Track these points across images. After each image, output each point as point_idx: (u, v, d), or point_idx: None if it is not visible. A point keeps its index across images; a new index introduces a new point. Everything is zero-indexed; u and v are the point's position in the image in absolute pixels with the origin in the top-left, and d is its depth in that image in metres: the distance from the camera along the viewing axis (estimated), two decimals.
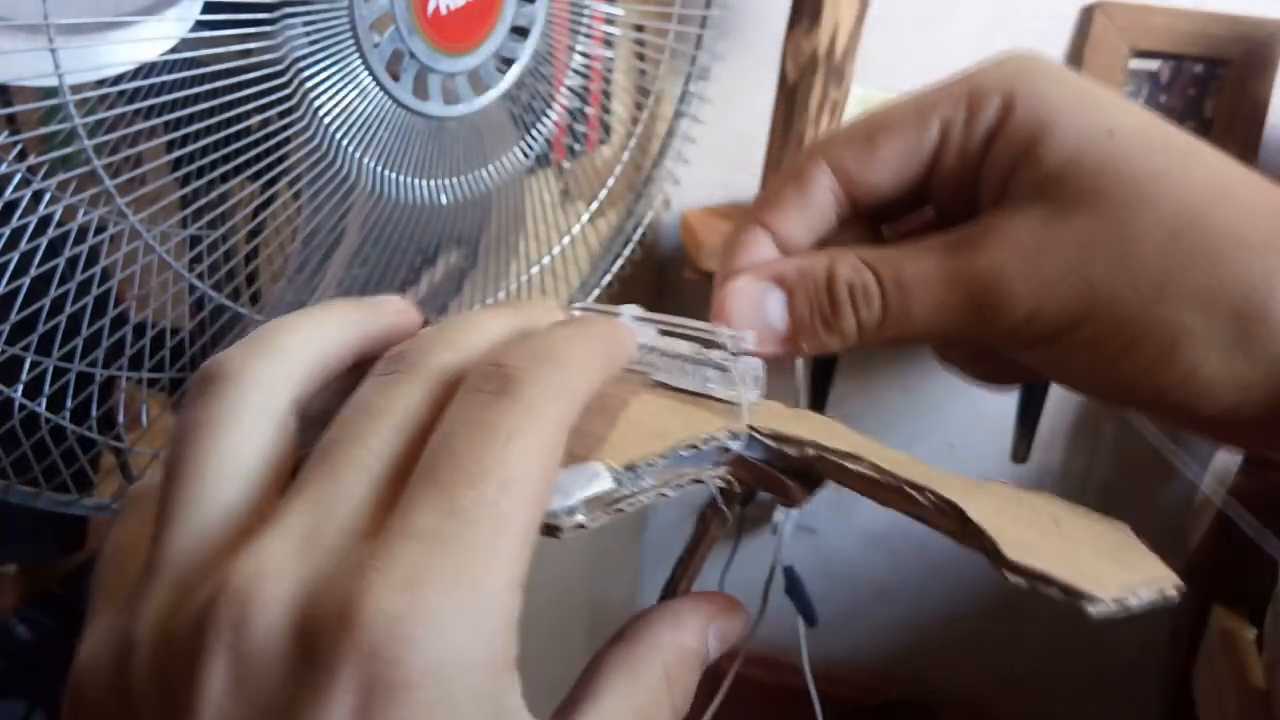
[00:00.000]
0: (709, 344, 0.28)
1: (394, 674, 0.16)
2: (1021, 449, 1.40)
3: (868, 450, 0.24)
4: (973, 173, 0.28)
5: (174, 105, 0.48)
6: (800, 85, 1.15)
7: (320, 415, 0.20)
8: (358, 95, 0.52)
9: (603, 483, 0.20)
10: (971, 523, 0.22)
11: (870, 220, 0.30)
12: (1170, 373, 0.25)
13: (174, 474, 0.19)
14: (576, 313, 0.27)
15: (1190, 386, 0.25)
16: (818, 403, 1.52)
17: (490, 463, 0.18)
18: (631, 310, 0.29)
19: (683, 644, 0.23)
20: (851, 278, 0.27)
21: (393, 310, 0.23)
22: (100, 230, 0.47)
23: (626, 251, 0.81)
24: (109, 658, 0.18)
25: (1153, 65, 1.28)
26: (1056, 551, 0.22)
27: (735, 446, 0.24)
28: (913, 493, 0.23)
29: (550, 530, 0.20)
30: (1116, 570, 0.22)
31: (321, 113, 0.51)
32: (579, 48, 0.65)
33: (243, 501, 0.19)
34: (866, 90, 1.36)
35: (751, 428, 0.24)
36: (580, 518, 0.20)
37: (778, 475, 0.24)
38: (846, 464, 0.23)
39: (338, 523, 0.18)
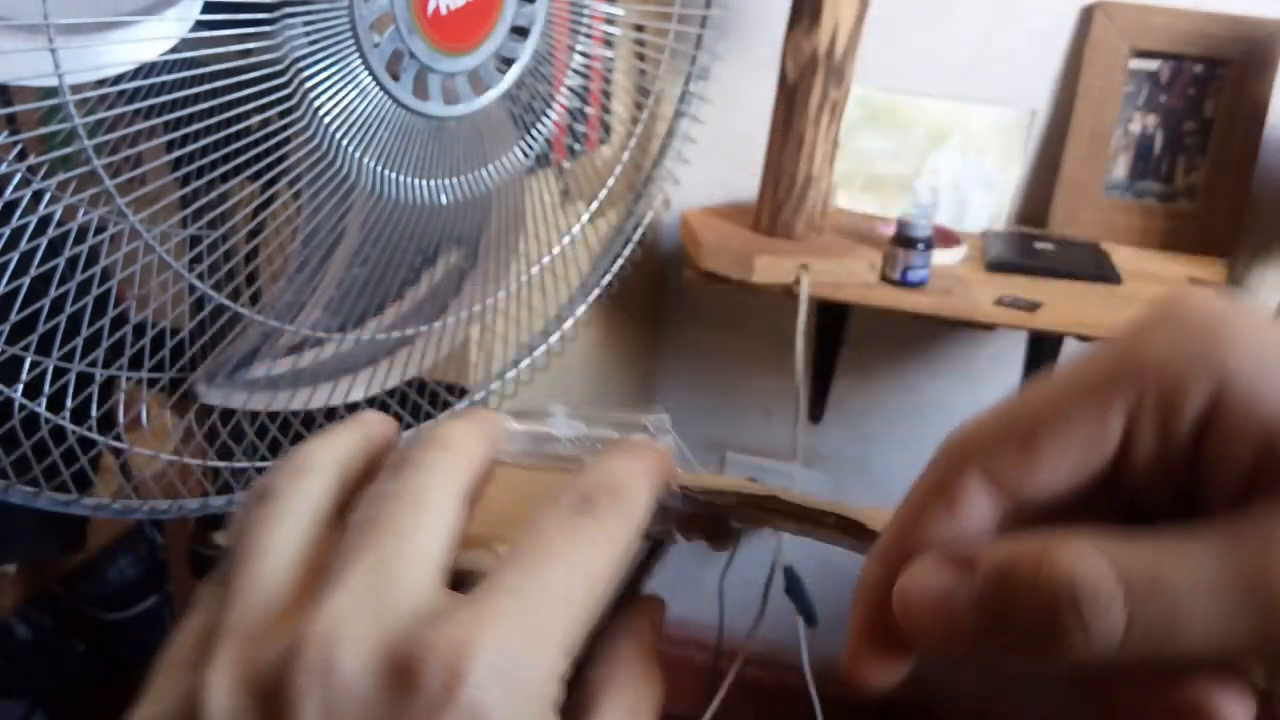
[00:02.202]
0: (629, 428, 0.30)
1: (474, 696, 0.20)
2: None
3: (781, 494, 0.28)
4: (1180, 462, 0.22)
5: (174, 105, 0.48)
6: (800, 85, 1.15)
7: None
8: (358, 95, 0.52)
9: None
10: (868, 529, 0.26)
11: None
12: None
13: (236, 562, 0.23)
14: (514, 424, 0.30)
15: None
16: (818, 403, 1.52)
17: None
18: (560, 410, 0.31)
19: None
20: (1079, 572, 0.20)
21: (376, 421, 0.28)
22: (100, 230, 0.47)
23: (626, 251, 0.81)
24: (174, 714, 0.22)
25: (1153, 65, 1.28)
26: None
27: (673, 503, 0.27)
28: (820, 514, 0.27)
29: None
30: None
31: (321, 113, 0.51)
32: (579, 48, 0.65)
33: (293, 578, 0.23)
34: (867, 90, 1.37)
35: (683, 486, 0.27)
36: None
37: (706, 525, 0.28)
38: (766, 505, 0.27)
39: (395, 576, 0.22)
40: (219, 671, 0.21)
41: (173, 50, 0.47)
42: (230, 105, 0.49)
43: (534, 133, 0.64)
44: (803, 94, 1.15)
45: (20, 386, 0.47)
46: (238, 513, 0.25)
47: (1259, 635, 0.20)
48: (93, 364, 0.50)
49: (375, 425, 0.28)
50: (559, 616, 0.22)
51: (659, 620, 0.29)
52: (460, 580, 0.23)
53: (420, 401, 0.71)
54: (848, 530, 0.27)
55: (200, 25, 0.48)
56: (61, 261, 0.46)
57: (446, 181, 0.59)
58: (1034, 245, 1.26)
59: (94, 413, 0.51)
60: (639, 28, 0.73)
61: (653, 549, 0.29)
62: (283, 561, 0.23)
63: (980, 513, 0.22)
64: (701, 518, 0.28)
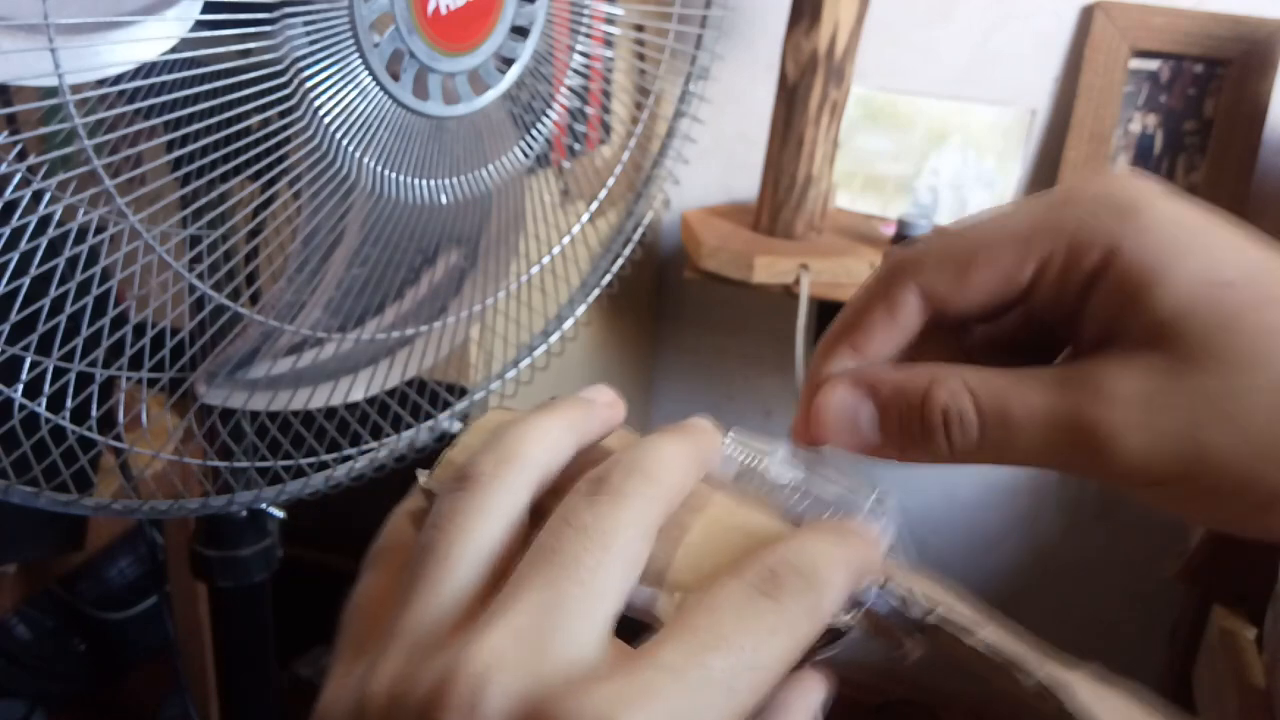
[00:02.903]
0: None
1: None
2: None
3: (980, 624, 0.25)
4: (1070, 306, 0.27)
5: (174, 105, 0.48)
6: (800, 85, 1.15)
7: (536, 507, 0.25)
8: (358, 95, 0.52)
9: None
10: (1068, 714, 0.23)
11: (952, 328, 0.30)
12: (1275, 517, 0.25)
13: (427, 552, 0.24)
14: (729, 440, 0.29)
15: None
16: None
17: (744, 640, 0.22)
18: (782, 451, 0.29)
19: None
20: (948, 404, 0.27)
21: (604, 406, 0.28)
22: (100, 230, 0.47)
23: (626, 251, 0.81)
24: (347, 705, 0.22)
25: (1153, 65, 1.28)
26: None
27: (869, 597, 0.25)
28: (1018, 676, 0.23)
29: None
30: None
31: (321, 113, 0.51)
32: (579, 48, 0.65)
33: (476, 586, 0.23)
34: (867, 90, 1.37)
35: (884, 582, 0.25)
36: None
37: (894, 631, 0.26)
38: (962, 637, 0.24)
39: (561, 621, 0.22)
40: (382, 680, 0.22)
41: (173, 50, 0.47)
42: (230, 105, 0.49)
43: (534, 133, 0.64)
44: (803, 94, 1.15)
45: (20, 386, 0.47)
46: (440, 491, 0.25)
47: (1065, 461, 0.26)
48: (93, 364, 0.50)
49: (590, 420, 0.27)
50: (715, 708, 0.21)
51: (815, 701, 0.27)
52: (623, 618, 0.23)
53: (420, 401, 0.71)
54: (1044, 698, 0.23)
55: (200, 25, 0.48)
56: (61, 261, 0.46)
57: (446, 181, 0.59)
58: None
59: (94, 413, 0.51)
60: (639, 28, 0.73)
61: (829, 635, 0.25)
62: (470, 570, 0.23)
63: (911, 318, 0.28)
64: (893, 625, 0.25)
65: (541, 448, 0.26)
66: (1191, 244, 0.25)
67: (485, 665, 0.21)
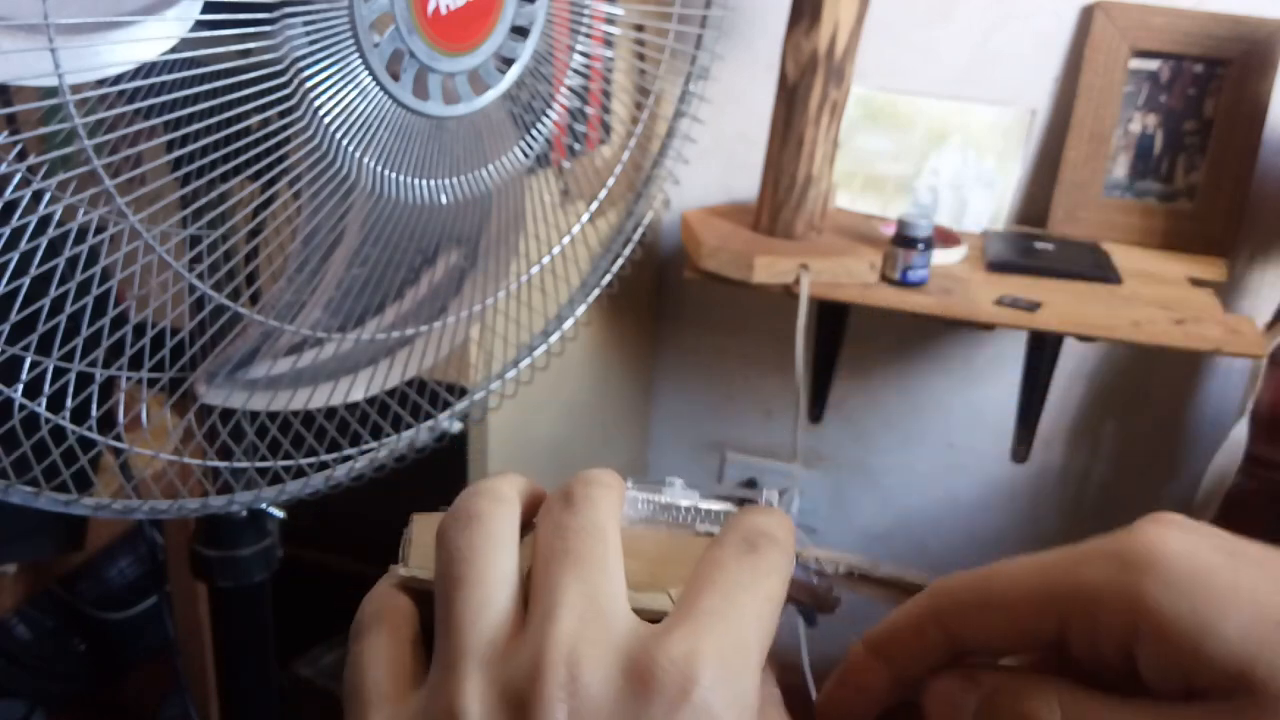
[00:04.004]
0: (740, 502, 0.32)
1: (705, 697, 0.24)
2: (1021, 449, 1.40)
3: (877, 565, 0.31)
4: (1117, 664, 0.27)
5: (174, 105, 0.48)
6: (800, 85, 1.15)
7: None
8: (358, 95, 0.52)
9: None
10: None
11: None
12: None
13: (461, 583, 0.26)
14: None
15: None
16: (818, 403, 1.52)
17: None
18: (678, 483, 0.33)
19: None
20: (1040, 717, 0.27)
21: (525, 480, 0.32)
22: (100, 230, 0.47)
23: (626, 251, 0.81)
24: None
25: (1153, 65, 1.28)
26: None
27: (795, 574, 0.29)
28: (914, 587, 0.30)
29: None
30: None
31: (321, 113, 0.51)
32: (579, 48, 0.65)
33: (513, 600, 0.26)
34: (867, 90, 1.37)
35: (798, 554, 0.30)
36: None
37: (817, 591, 0.31)
38: (868, 571, 0.31)
39: (604, 603, 0.26)
40: (471, 687, 0.25)
41: (173, 50, 0.47)
42: (230, 105, 0.49)
43: (534, 133, 0.64)
44: (803, 94, 1.15)
45: (20, 386, 0.47)
46: (447, 532, 0.28)
47: None
48: (93, 364, 0.50)
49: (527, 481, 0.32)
50: (756, 633, 0.26)
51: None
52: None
53: (420, 401, 0.71)
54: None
55: (200, 25, 0.48)
56: (61, 261, 0.46)
57: (446, 181, 0.59)
58: (1034, 245, 1.26)
59: (94, 413, 0.51)
60: (639, 28, 0.73)
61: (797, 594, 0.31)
62: (505, 589, 0.26)
63: (935, 647, 0.29)
64: (811, 586, 0.31)
65: (515, 490, 0.30)
66: (1223, 588, 0.25)
67: (569, 645, 0.24)
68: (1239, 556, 0.26)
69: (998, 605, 0.28)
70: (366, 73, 0.52)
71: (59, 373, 0.49)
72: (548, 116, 0.64)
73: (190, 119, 0.48)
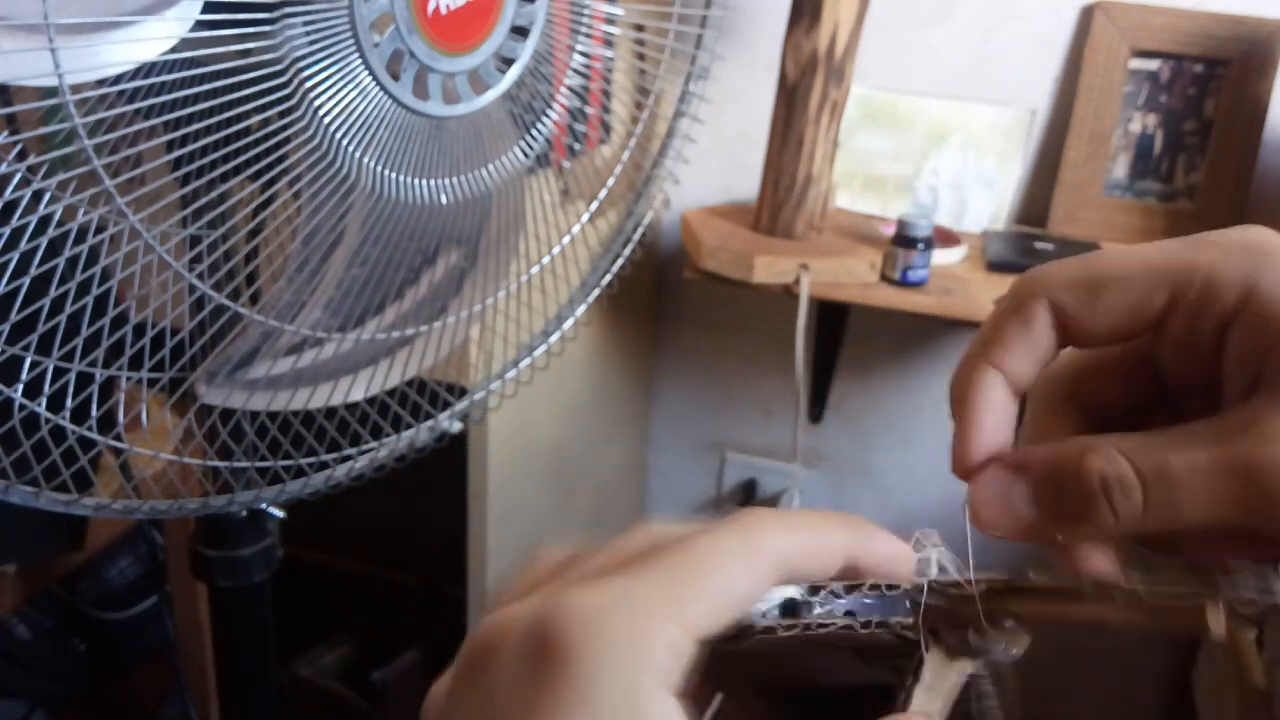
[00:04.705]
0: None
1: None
2: None
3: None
4: (1206, 349, 0.27)
5: (174, 105, 0.48)
6: (800, 85, 1.15)
7: None
8: (358, 95, 0.52)
9: (789, 592, 0.26)
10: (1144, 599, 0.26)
11: (1075, 410, 0.30)
12: None
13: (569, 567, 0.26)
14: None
15: None
16: (818, 403, 1.52)
17: None
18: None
19: None
20: (1105, 470, 0.27)
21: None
22: (100, 230, 0.47)
23: (626, 251, 0.81)
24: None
25: (1153, 65, 1.28)
26: None
27: (920, 598, 0.27)
28: (1100, 589, 0.26)
29: (745, 630, 0.26)
30: None
31: (321, 113, 0.51)
32: (579, 47, 0.65)
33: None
34: (867, 90, 1.37)
35: (930, 582, 0.27)
36: (769, 621, 0.26)
37: (960, 617, 0.27)
38: (1017, 583, 0.27)
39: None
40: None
41: (173, 50, 0.47)
42: (230, 105, 0.49)
43: (534, 133, 0.64)
44: (803, 94, 1.15)
45: (20, 386, 0.47)
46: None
47: (1241, 509, 0.26)
48: (93, 364, 0.50)
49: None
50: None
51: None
52: None
53: (420, 401, 0.71)
54: (1133, 604, 0.26)
55: (200, 25, 0.48)
56: (61, 261, 0.46)
57: (446, 181, 0.59)
58: (1034, 245, 1.26)
59: (94, 413, 0.51)
60: (639, 28, 0.73)
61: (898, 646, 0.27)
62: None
63: (1045, 335, 0.28)
64: (953, 613, 0.27)
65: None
66: None
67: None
68: None
69: (1115, 280, 0.27)
70: (366, 73, 0.52)
71: (59, 373, 0.49)
72: (548, 116, 0.64)
73: (190, 119, 0.48)
